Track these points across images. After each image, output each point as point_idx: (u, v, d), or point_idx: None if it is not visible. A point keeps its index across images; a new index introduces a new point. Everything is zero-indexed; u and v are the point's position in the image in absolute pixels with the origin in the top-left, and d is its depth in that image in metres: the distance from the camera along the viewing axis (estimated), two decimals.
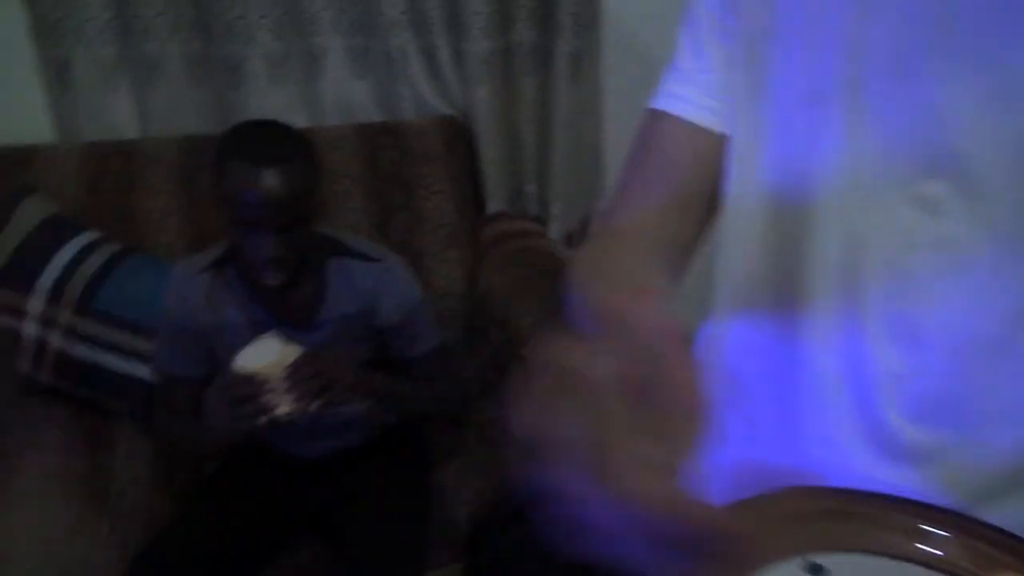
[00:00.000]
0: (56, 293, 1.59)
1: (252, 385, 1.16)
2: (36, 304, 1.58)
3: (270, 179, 1.17)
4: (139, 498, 1.46)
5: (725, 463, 0.68)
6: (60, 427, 1.64)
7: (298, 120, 2.03)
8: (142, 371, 1.59)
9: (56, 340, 1.59)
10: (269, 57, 1.96)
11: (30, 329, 1.58)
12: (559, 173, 2.19)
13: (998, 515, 0.59)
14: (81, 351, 1.59)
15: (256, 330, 1.34)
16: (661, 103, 0.74)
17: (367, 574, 1.31)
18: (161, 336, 1.38)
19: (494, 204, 2.17)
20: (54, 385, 1.64)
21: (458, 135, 1.99)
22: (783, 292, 0.68)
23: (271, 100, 2.00)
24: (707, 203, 0.74)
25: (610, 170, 2.30)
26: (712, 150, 0.71)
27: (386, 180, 1.90)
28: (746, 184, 0.70)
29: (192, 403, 1.40)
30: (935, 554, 0.57)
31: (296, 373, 1.18)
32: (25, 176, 1.76)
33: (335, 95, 2.04)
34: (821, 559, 0.56)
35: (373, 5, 1.95)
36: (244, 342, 1.35)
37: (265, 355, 1.19)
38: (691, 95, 0.71)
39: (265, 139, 1.22)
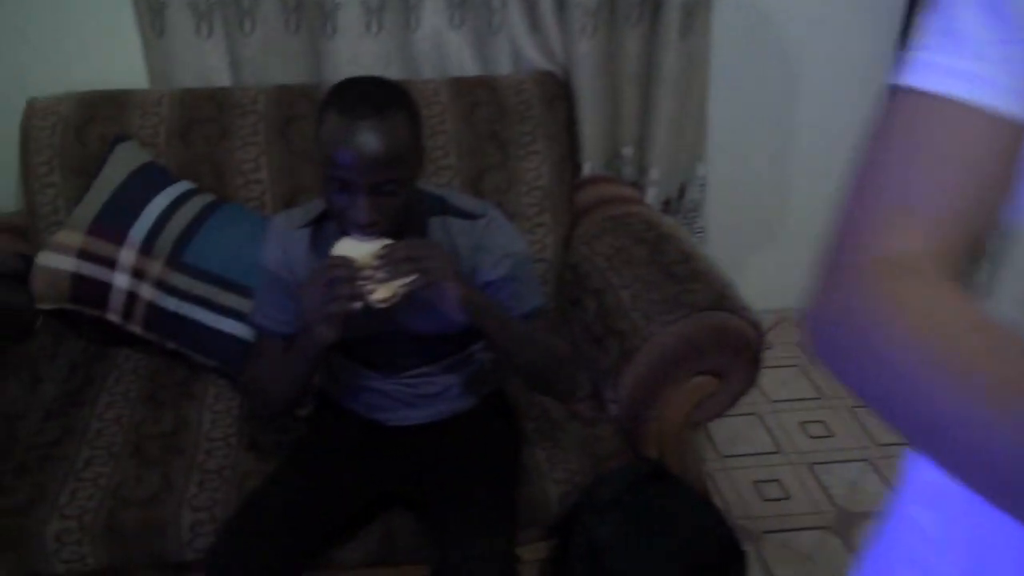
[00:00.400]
0: (147, 245, 1.57)
1: (349, 267, 1.11)
2: (128, 255, 1.57)
3: (366, 135, 1.08)
4: (226, 457, 1.44)
5: None
6: (148, 380, 1.63)
7: (392, 72, 1.96)
8: (230, 326, 1.56)
9: (147, 292, 1.57)
10: (365, 4, 1.87)
11: (121, 280, 1.57)
12: (659, 136, 2.06)
13: None
14: (171, 304, 1.57)
15: None
16: (935, 82, 0.50)
17: (455, 547, 1.26)
18: (259, 291, 1.34)
19: (590, 166, 2.07)
20: (143, 337, 1.63)
21: (557, 92, 1.88)
22: None
23: (365, 50, 1.92)
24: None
25: (713, 134, 2.16)
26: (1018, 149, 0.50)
27: (481, 137, 1.81)
28: None
29: None
30: None
31: (390, 254, 1.12)
32: (119, 121, 1.73)
33: (431, 47, 1.95)
34: None
35: None
36: None
37: (363, 247, 1.14)
38: (987, 73, 0.49)
39: (365, 94, 1.13)
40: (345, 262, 1.12)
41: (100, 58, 1.90)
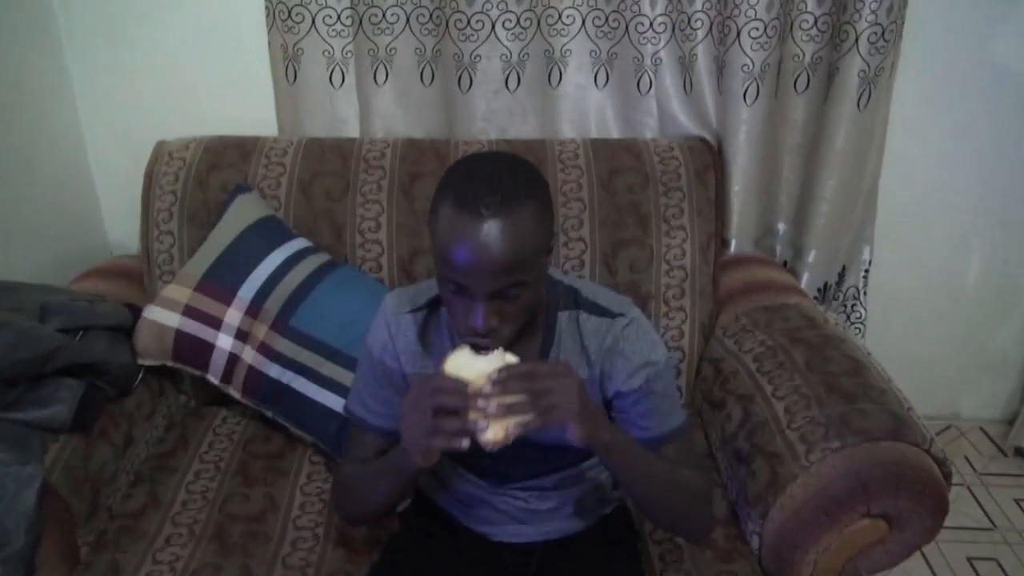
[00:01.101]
0: (255, 306, 1.47)
1: (462, 395, 0.93)
2: (234, 316, 1.47)
3: (487, 237, 0.90)
4: (311, 551, 1.30)
5: None
6: (242, 448, 1.53)
7: (528, 130, 1.82)
8: (331, 400, 1.43)
9: (249, 355, 1.47)
10: (505, 57, 1.74)
11: (224, 342, 1.47)
12: (821, 213, 1.83)
13: None
14: (273, 370, 1.46)
15: None
16: None
17: None
18: (359, 376, 1.20)
19: (738, 243, 1.85)
20: (240, 402, 1.52)
21: (709, 161, 1.68)
22: None
23: (501, 105, 1.79)
24: None
25: (884, 216, 1.89)
26: None
27: (620, 208, 1.63)
28: None
29: (378, 457, 1.21)
30: None
31: (507, 380, 0.93)
32: (243, 170, 1.66)
33: (572, 104, 1.79)
34: None
35: (629, 5, 1.68)
36: None
37: (480, 363, 0.96)
38: None
39: (488, 182, 0.93)
40: (457, 387, 0.94)
41: (234, 103, 1.85)
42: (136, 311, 1.50)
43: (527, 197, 0.94)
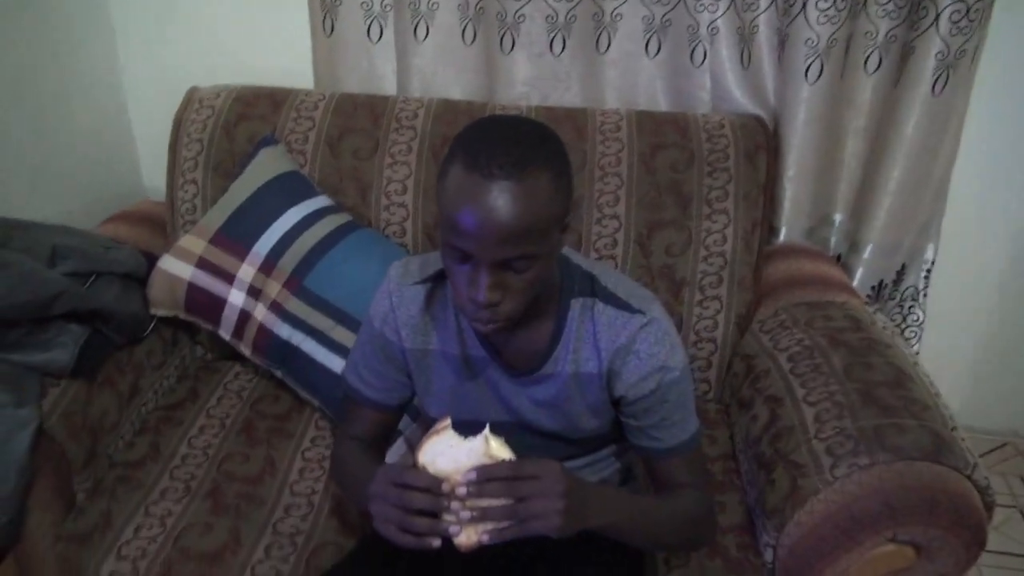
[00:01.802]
0: (269, 262, 1.43)
1: (434, 497, 0.86)
2: (247, 272, 1.43)
3: (496, 201, 0.82)
4: (304, 519, 1.26)
5: None
6: (250, 406, 1.50)
7: (571, 98, 1.73)
8: (339, 365, 1.39)
9: (260, 313, 1.43)
10: (551, 18, 1.64)
11: (236, 298, 1.43)
12: (882, 205, 1.68)
13: None
14: (283, 330, 1.42)
15: (469, 369, 1.06)
16: None
17: None
18: (358, 343, 1.14)
19: (787, 233, 1.73)
20: (250, 360, 1.49)
21: (762, 141, 1.56)
22: None
23: (544, 70, 1.70)
24: None
25: (949, 213, 1.74)
26: None
27: (660, 186, 1.53)
28: None
29: (373, 432, 1.16)
30: None
31: (485, 482, 0.85)
32: (272, 122, 1.61)
33: (619, 73, 1.69)
34: None
35: None
36: (450, 381, 1.07)
37: (465, 456, 0.88)
38: None
39: (502, 144, 0.85)
40: (429, 485, 0.86)
41: (273, 54, 1.81)
42: (152, 260, 1.47)
43: (544, 164, 0.86)
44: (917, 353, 1.84)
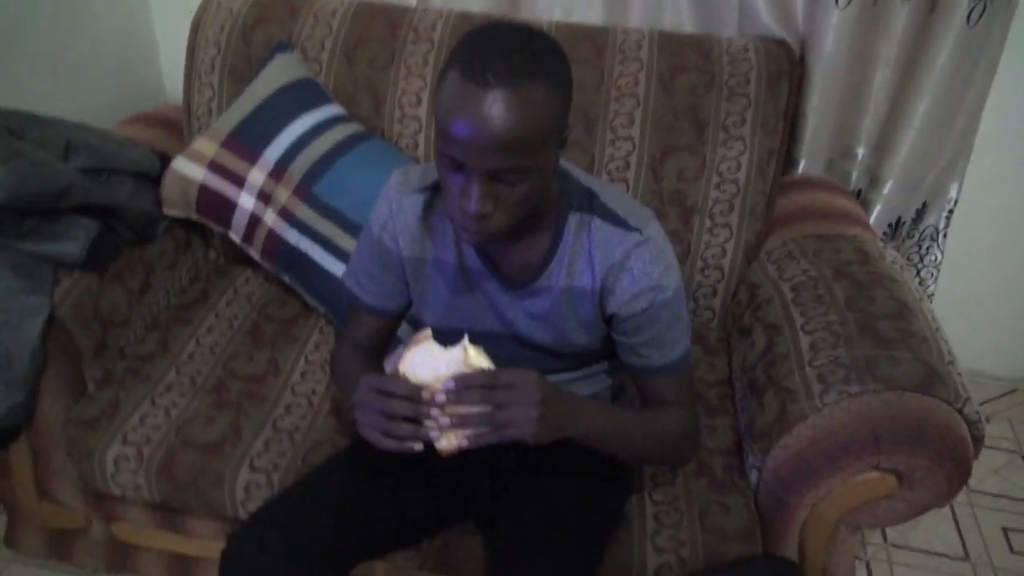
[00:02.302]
0: (280, 168, 1.44)
1: (414, 404, 0.89)
2: (257, 176, 1.44)
3: (491, 110, 0.81)
4: (303, 418, 1.30)
5: None
6: (258, 310, 1.53)
7: (594, 15, 1.69)
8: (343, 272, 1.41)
9: (270, 218, 1.45)
10: None
11: (246, 201, 1.45)
12: (907, 140, 1.64)
13: None
14: (291, 236, 1.44)
15: (465, 279, 1.07)
16: None
17: None
18: (358, 248, 1.16)
19: (806, 164, 1.70)
20: (260, 264, 1.52)
21: (785, 67, 1.52)
22: None
23: None
24: None
25: (980, 151, 1.69)
26: None
27: (677, 109, 1.50)
28: None
29: (371, 337, 1.18)
30: None
31: (463, 389, 0.88)
32: (289, 28, 1.60)
33: None
34: None
35: None
36: (446, 291, 1.08)
37: (444, 365, 0.90)
38: None
39: (501, 52, 0.83)
40: (408, 393, 0.89)
41: None
42: (167, 161, 1.49)
43: (542, 75, 0.85)
44: (932, 295, 1.82)
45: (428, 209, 1.08)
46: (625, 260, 1.00)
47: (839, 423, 1.11)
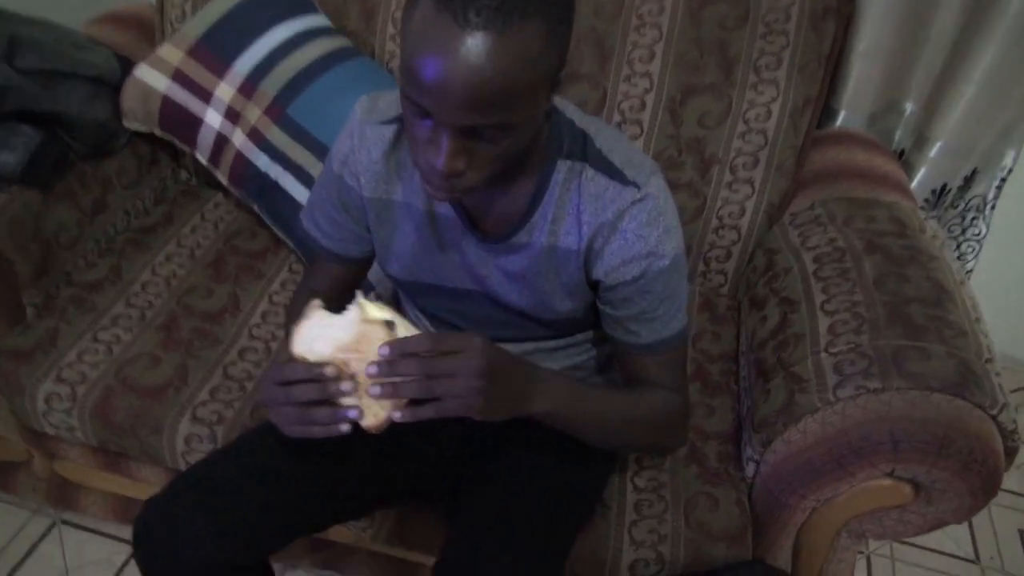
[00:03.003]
0: (250, 83, 1.28)
1: (320, 384, 0.77)
2: (225, 91, 1.29)
3: (468, 56, 0.65)
4: (257, 365, 1.18)
5: None
6: (224, 240, 1.40)
7: None
8: None
9: (238, 139, 1.30)
10: None
11: (213, 119, 1.30)
12: (962, 97, 1.44)
13: None
14: (261, 161, 1.29)
15: (433, 228, 0.92)
16: None
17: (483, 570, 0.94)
18: (317, 185, 1.01)
19: (846, 117, 1.51)
20: (226, 189, 1.38)
21: (832, 3, 1.32)
22: None
23: None
24: None
25: None
26: None
27: (704, 44, 1.32)
28: None
29: (332, 286, 1.04)
30: None
31: (393, 365, 0.75)
32: None
33: None
34: None
35: None
36: (412, 239, 0.94)
37: (342, 330, 0.77)
38: None
39: None
40: (311, 374, 0.78)
41: None
42: (130, 67, 1.34)
43: (537, 11, 0.67)
44: (970, 271, 1.65)
45: (397, 143, 0.93)
46: (617, 219, 0.85)
47: (853, 421, 0.96)
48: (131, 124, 1.34)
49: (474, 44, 0.65)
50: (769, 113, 1.33)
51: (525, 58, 0.67)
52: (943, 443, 0.93)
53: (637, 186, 0.85)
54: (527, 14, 0.66)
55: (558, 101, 0.89)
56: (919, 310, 1.05)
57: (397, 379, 0.75)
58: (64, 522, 1.38)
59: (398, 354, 0.74)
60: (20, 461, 1.30)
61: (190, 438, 1.10)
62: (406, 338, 0.75)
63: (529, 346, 1.02)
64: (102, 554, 1.34)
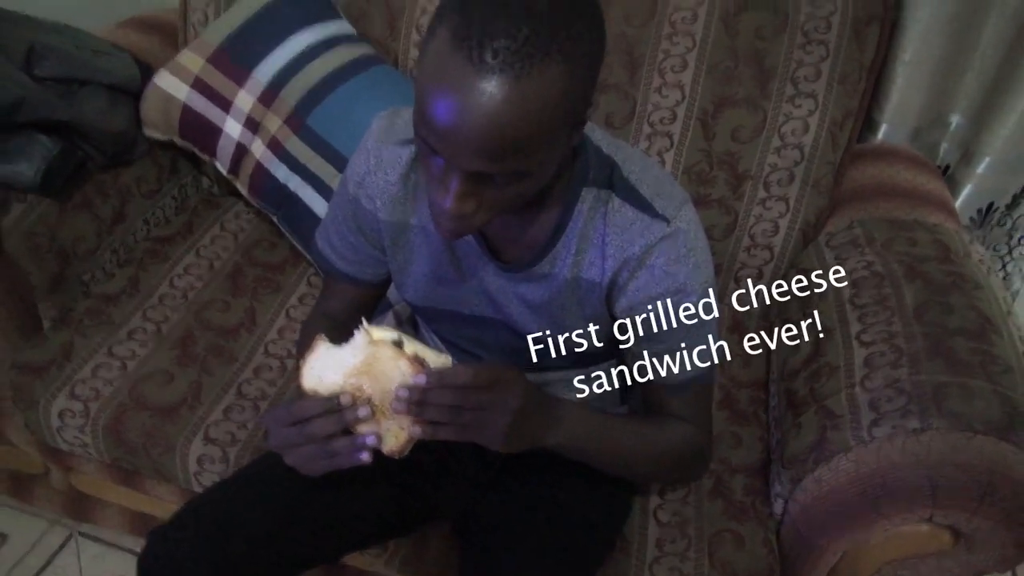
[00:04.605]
0: (271, 92, 1.26)
1: (337, 415, 0.75)
2: (245, 100, 1.26)
3: (481, 97, 0.61)
4: (272, 384, 1.16)
5: None
6: (244, 251, 1.38)
7: None
8: None
9: (258, 149, 1.27)
10: None
11: (232, 128, 1.28)
12: (1013, 111, 1.37)
13: None
14: (280, 172, 1.27)
15: (452, 252, 0.88)
16: None
17: None
18: (332, 205, 0.98)
19: (888, 131, 1.44)
20: (247, 199, 1.36)
21: (878, 12, 1.26)
22: None
23: None
24: None
25: None
26: None
27: (739, 54, 1.26)
28: None
29: (347, 308, 1.01)
30: None
31: (436, 391, 0.72)
32: None
33: None
34: None
35: None
36: (430, 263, 0.90)
37: (350, 355, 0.75)
38: None
39: (514, 12, 0.61)
40: (326, 406, 0.75)
41: None
42: (151, 73, 1.32)
43: (560, 52, 0.62)
44: (1016, 295, 1.58)
45: (414, 165, 0.89)
46: (645, 255, 0.80)
47: (889, 463, 0.91)
48: (151, 133, 1.33)
49: (488, 89, 0.61)
50: (806, 127, 1.27)
51: (543, 104, 0.63)
52: (986, 490, 0.88)
53: (667, 220, 0.80)
54: (548, 56, 0.61)
55: (587, 126, 0.84)
56: (962, 343, 0.99)
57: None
58: (82, 534, 1.38)
59: (436, 385, 0.72)
60: (38, 473, 1.29)
61: (202, 459, 1.08)
62: (445, 370, 0.74)
63: (548, 375, 0.98)
64: (119, 567, 1.34)
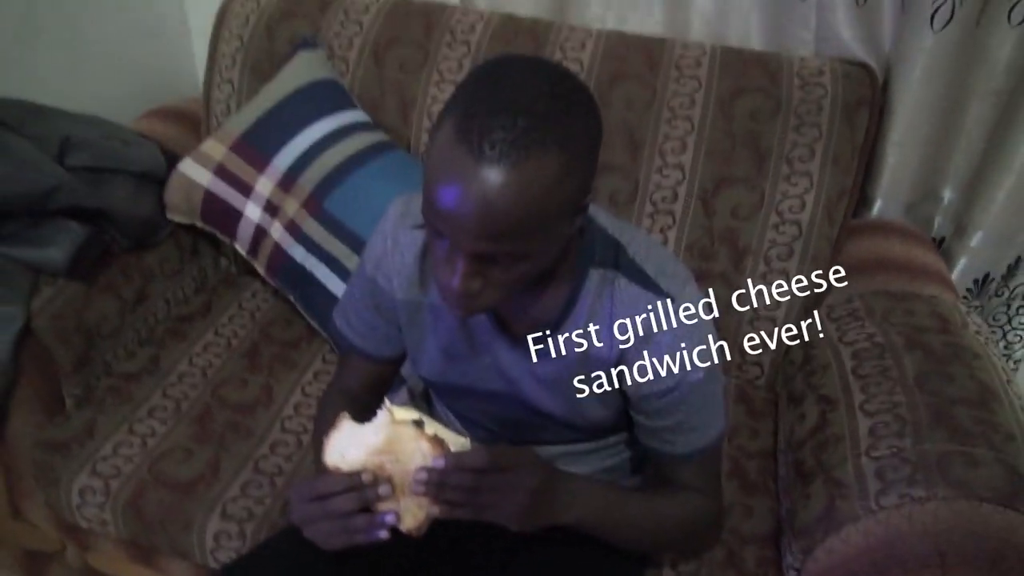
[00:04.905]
0: (289, 178, 1.32)
1: (359, 492, 0.77)
2: (265, 185, 1.32)
3: (481, 185, 0.66)
4: (288, 459, 1.18)
5: None
6: (260, 329, 1.42)
7: (650, 25, 1.52)
8: None
9: (276, 232, 1.33)
10: None
11: (252, 212, 1.34)
12: (1004, 186, 1.42)
13: None
14: (297, 253, 1.32)
15: (465, 330, 0.92)
16: None
17: None
18: (350, 285, 1.02)
19: (883, 206, 1.50)
20: (264, 279, 1.40)
21: (867, 94, 1.33)
22: None
23: None
24: None
25: None
26: None
27: (736, 137, 1.33)
28: None
29: (363, 385, 1.04)
30: None
31: (455, 474, 0.75)
32: (317, 23, 1.48)
33: (711, 2, 1.46)
34: None
35: None
36: (444, 340, 0.94)
37: (372, 433, 0.78)
38: None
39: (513, 106, 0.66)
40: (349, 483, 0.78)
41: None
42: (177, 161, 1.39)
43: (555, 143, 0.67)
44: (1017, 364, 1.60)
45: (426, 248, 0.94)
46: (650, 332, 0.84)
47: (897, 533, 0.93)
48: (174, 216, 1.38)
49: (488, 177, 0.66)
50: (803, 204, 1.32)
51: (540, 190, 0.67)
52: (995, 558, 0.89)
53: (672, 297, 0.84)
54: (544, 146, 0.67)
55: (592, 210, 0.89)
56: (964, 412, 1.02)
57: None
58: None
59: (454, 467, 0.74)
60: (53, 552, 1.30)
61: (219, 535, 1.09)
62: (463, 453, 0.76)
63: (561, 448, 1.00)
64: None
